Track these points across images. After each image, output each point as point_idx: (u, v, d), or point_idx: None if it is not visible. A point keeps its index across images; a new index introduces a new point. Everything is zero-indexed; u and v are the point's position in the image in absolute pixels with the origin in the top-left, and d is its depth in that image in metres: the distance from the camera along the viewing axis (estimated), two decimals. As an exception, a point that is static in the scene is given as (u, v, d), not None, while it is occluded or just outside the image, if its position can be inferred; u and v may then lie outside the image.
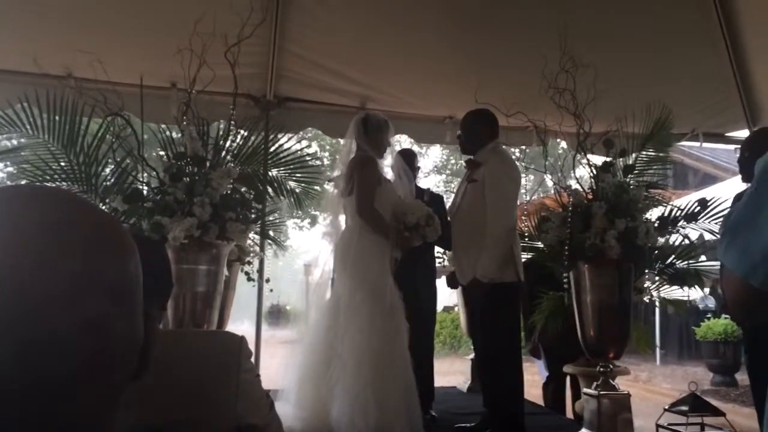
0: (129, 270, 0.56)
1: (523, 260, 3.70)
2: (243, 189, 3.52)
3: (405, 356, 3.31)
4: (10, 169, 4.29)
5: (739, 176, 3.50)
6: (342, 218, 3.73)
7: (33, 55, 3.34)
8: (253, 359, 0.94)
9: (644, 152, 3.74)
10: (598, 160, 3.65)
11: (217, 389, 0.87)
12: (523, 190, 4.18)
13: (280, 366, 3.60)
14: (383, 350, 3.27)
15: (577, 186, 3.60)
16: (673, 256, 3.80)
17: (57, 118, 3.42)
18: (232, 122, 3.46)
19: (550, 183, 3.84)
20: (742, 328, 3.81)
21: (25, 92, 3.50)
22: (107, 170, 3.49)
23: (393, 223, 3.48)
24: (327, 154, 17.81)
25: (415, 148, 8.08)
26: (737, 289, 0.94)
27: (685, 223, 3.76)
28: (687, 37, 4.58)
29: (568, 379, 4.55)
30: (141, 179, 3.29)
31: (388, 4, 4.33)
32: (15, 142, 3.93)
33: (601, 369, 3.46)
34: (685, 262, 3.84)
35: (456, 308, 10.11)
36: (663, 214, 3.69)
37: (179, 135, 3.43)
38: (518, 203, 3.97)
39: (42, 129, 3.46)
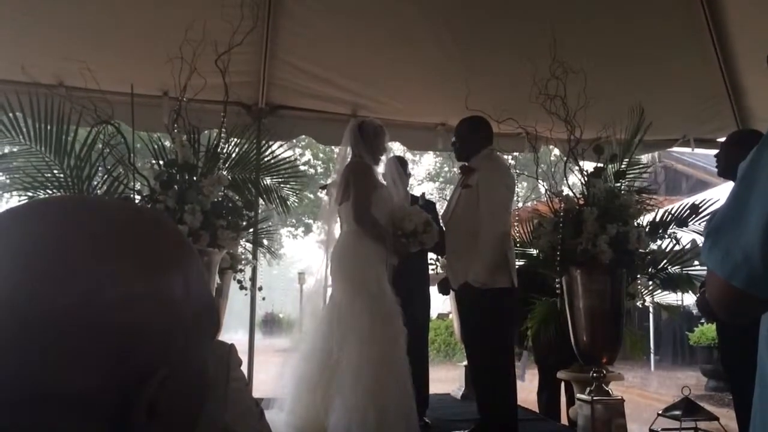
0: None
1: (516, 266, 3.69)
2: (237, 198, 3.51)
3: (404, 363, 3.29)
4: (1, 178, 4.25)
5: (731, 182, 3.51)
6: (336, 226, 3.72)
7: (22, 64, 3.32)
8: (246, 368, 0.94)
9: (633, 156, 3.75)
10: (589, 166, 3.66)
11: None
12: (516, 197, 4.18)
13: (275, 375, 3.58)
14: (383, 357, 3.25)
15: (569, 192, 3.61)
16: (665, 261, 3.81)
17: (48, 126, 3.40)
18: (224, 130, 3.45)
19: (543, 189, 3.85)
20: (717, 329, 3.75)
21: (18, 100, 3.47)
22: (98, 178, 3.47)
23: (390, 228, 3.47)
24: (320, 162, 17.84)
25: (408, 155, 8.07)
26: (720, 291, 0.94)
27: (676, 227, 3.77)
28: (677, 44, 4.61)
29: (562, 385, 4.54)
30: (132, 187, 3.28)
31: (379, 12, 4.34)
32: (6, 150, 3.90)
33: (595, 375, 3.46)
34: (678, 267, 3.85)
35: (450, 315, 10.09)
36: (654, 218, 3.70)
37: (171, 144, 3.41)
38: (512, 209, 3.97)
39: (33, 138, 3.44)
